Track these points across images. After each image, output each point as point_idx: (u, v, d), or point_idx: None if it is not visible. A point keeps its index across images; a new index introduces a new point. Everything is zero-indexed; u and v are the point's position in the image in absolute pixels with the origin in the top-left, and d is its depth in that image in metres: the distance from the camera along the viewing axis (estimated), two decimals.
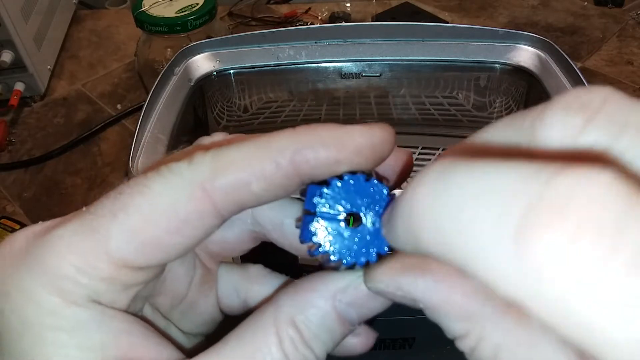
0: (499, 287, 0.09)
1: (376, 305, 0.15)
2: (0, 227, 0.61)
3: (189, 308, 0.18)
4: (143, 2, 0.64)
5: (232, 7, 0.98)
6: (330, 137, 0.14)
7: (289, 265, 0.32)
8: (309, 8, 0.96)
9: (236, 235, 0.18)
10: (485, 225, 0.09)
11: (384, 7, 0.98)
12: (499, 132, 0.12)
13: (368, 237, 0.15)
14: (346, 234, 0.15)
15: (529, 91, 0.51)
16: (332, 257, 0.15)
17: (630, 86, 0.80)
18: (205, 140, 0.16)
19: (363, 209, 0.15)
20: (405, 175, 0.17)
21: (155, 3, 0.64)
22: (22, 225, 0.61)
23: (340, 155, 0.14)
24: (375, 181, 0.15)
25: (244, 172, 0.14)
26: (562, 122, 0.10)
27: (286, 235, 0.18)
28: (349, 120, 0.57)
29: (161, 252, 0.14)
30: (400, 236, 0.12)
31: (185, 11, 0.63)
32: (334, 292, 0.15)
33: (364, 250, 0.15)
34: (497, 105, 0.55)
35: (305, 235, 0.15)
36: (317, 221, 0.15)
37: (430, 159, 0.56)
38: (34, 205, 0.67)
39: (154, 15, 0.63)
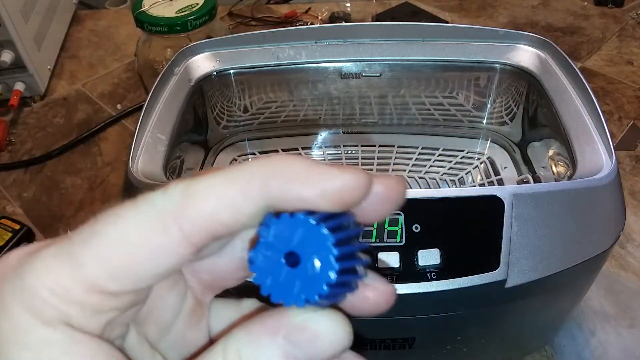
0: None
1: (326, 348, 0.14)
2: (0, 227, 0.61)
3: (177, 339, 0.18)
4: (143, 2, 0.64)
5: (232, 7, 0.98)
6: (300, 174, 0.14)
7: None
8: (309, 8, 0.96)
9: (227, 264, 0.18)
10: None
11: (384, 7, 0.98)
12: None
13: (306, 279, 0.14)
14: (284, 271, 0.15)
15: (529, 91, 0.51)
16: (272, 299, 0.15)
17: (630, 86, 0.80)
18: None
19: (302, 251, 0.14)
20: (390, 206, 0.16)
21: (155, 3, 0.64)
22: (22, 226, 0.61)
23: (305, 194, 0.14)
24: (324, 230, 0.14)
25: (212, 202, 0.14)
26: None
27: None
28: (349, 120, 0.57)
29: (132, 278, 0.14)
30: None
31: (185, 11, 0.63)
32: (284, 330, 0.14)
33: (302, 291, 0.14)
34: (497, 105, 0.55)
35: (249, 260, 0.15)
36: (259, 251, 0.15)
37: (430, 159, 0.56)
38: (34, 205, 0.67)
39: (154, 15, 0.63)
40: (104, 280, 0.14)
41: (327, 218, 0.15)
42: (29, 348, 0.13)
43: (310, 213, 0.14)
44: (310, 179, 0.14)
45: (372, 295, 0.16)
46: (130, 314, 0.15)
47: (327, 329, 0.14)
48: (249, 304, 0.19)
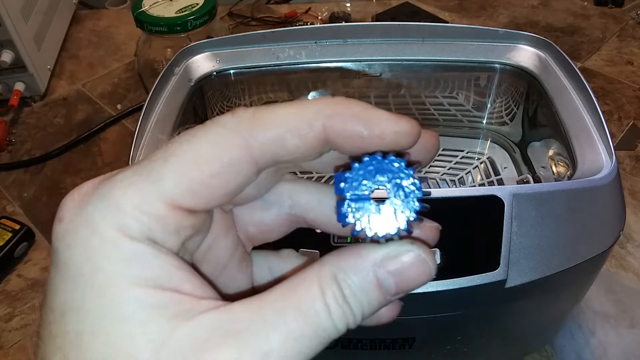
0: None
1: (415, 277, 0.16)
2: (0, 227, 0.61)
3: (227, 280, 0.19)
4: (143, 2, 0.64)
5: (232, 7, 0.98)
6: (361, 114, 0.16)
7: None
8: (309, 8, 0.96)
9: (274, 219, 0.20)
10: None
11: (384, 7, 0.98)
12: None
13: (395, 209, 0.16)
14: (375, 210, 0.16)
15: (529, 91, 0.51)
16: (367, 234, 0.16)
17: (630, 86, 0.80)
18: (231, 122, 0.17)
19: (386, 184, 0.16)
20: (430, 155, 0.18)
21: (155, 3, 0.64)
22: (22, 226, 0.61)
23: (365, 133, 0.16)
24: (392, 157, 0.16)
25: (280, 127, 0.15)
26: None
27: (322, 216, 0.19)
28: None
29: (207, 194, 0.15)
30: None
31: (185, 11, 0.63)
32: (375, 258, 0.16)
33: (394, 221, 0.16)
34: (497, 105, 0.55)
35: (341, 218, 0.16)
36: (348, 205, 0.16)
37: None
38: (34, 205, 0.67)
39: (154, 15, 0.63)
40: (182, 195, 0.15)
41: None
42: (121, 260, 0.14)
43: (370, 154, 0.16)
44: (370, 121, 0.16)
45: (385, 309, 0.18)
46: (198, 240, 0.17)
47: (416, 260, 0.16)
48: (287, 253, 0.20)
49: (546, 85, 0.47)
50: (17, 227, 0.61)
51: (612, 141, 0.39)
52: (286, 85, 0.54)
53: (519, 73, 0.50)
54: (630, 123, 0.74)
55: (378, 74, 0.53)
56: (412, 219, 0.16)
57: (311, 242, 0.32)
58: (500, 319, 0.40)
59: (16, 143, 0.75)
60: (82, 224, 0.14)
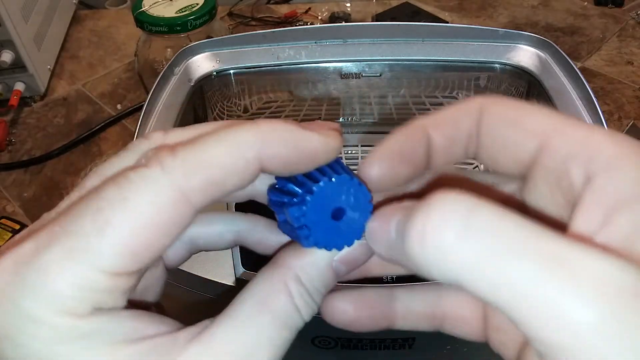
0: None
1: (360, 257, 0.18)
2: (0, 227, 0.61)
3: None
4: (143, 2, 0.64)
5: (232, 7, 0.98)
6: (291, 140, 0.16)
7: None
8: (309, 8, 0.96)
9: (219, 234, 0.20)
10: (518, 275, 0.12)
11: (384, 7, 0.98)
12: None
13: (351, 222, 0.18)
14: (329, 224, 0.17)
15: (529, 91, 0.51)
16: (306, 244, 0.17)
17: (630, 86, 0.80)
18: (143, 144, 0.17)
19: (346, 206, 0.17)
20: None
21: (155, 3, 0.64)
22: (23, 225, 0.61)
23: (299, 159, 0.16)
24: (365, 188, 0.17)
25: (216, 169, 0.15)
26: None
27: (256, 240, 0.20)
28: (348, 120, 0.57)
29: (148, 254, 0.15)
30: (430, 265, 0.13)
31: (185, 11, 0.63)
32: (330, 254, 0.18)
33: (340, 238, 0.18)
34: None
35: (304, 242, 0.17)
36: (309, 208, 0.17)
37: None
38: (34, 205, 0.67)
39: (154, 15, 0.63)
40: (125, 264, 0.14)
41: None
42: (78, 339, 0.14)
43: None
44: (300, 145, 0.16)
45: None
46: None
47: (359, 245, 0.18)
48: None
49: (546, 85, 0.47)
50: (17, 227, 0.61)
51: None
52: (286, 85, 0.54)
53: (519, 73, 0.50)
54: (630, 123, 0.74)
55: (378, 74, 0.53)
56: (358, 238, 0.18)
57: None
58: None
59: (16, 143, 0.75)
60: (16, 317, 0.14)
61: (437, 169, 0.19)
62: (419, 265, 0.14)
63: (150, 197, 0.14)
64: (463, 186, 0.21)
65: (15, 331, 0.14)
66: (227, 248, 0.21)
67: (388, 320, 0.20)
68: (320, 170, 0.17)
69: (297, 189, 0.17)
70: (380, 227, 0.16)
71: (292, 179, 0.17)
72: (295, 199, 0.17)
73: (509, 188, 0.19)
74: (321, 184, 0.17)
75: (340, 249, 0.18)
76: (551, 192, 0.16)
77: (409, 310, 0.20)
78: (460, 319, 0.19)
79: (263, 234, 0.20)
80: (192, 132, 0.16)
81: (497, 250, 0.12)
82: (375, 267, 0.20)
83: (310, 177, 0.17)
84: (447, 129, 0.17)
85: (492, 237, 0.12)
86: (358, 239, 0.18)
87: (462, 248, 0.13)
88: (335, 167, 0.17)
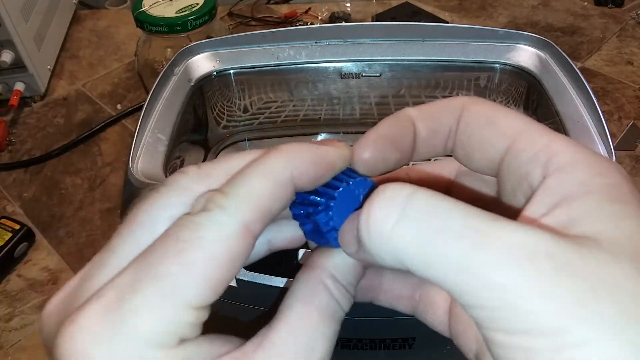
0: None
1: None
2: (0, 227, 0.61)
3: None
4: (143, 2, 0.64)
5: (232, 7, 0.98)
6: (317, 158, 0.18)
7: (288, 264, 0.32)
8: (309, 8, 0.96)
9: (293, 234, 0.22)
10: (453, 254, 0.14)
11: (384, 7, 0.98)
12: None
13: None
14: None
15: (529, 91, 0.51)
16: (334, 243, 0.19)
17: (630, 86, 0.80)
18: (182, 179, 0.18)
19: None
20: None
21: (155, 3, 0.64)
22: (22, 226, 0.61)
23: (324, 174, 0.18)
24: (357, 179, 0.19)
25: (266, 200, 0.17)
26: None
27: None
28: (349, 120, 0.57)
29: (226, 283, 0.16)
30: (379, 251, 0.15)
31: (185, 11, 0.63)
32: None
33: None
34: None
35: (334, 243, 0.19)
36: (332, 214, 0.19)
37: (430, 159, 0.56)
38: (34, 205, 0.67)
39: (154, 15, 0.63)
40: (206, 297, 0.16)
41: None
42: None
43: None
44: (324, 162, 0.18)
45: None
46: None
47: None
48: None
49: (546, 85, 0.47)
50: (17, 227, 0.61)
51: (612, 141, 0.39)
52: (286, 85, 0.54)
53: (519, 73, 0.50)
54: (630, 123, 0.74)
55: (378, 74, 0.53)
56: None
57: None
58: None
59: (16, 143, 0.75)
60: (121, 356, 0.15)
61: (419, 159, 0.21)
62: (371, 253, 0.16)
63: (222, 234, 0.16)
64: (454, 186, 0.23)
65: None
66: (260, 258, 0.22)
67: (373, 293, 0.22)
68: (336, 178, 0.19)
69: (318, 199, 0.19)
70: (345, 230, 0.18)
71: (313, 192, 0.19)
72: (320, 207, 0.19)
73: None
74: (340, 189, 0.18)
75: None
76: (513, 190, 0.18)
77: (392, 287, 0.22)
78: (430, 305, 0.21)
79: (290, 231, 0.21)
80: (223, 166, 0.18)
81: (431, 230, 0.14)
82: None
83: (328, 186, 0.19)
84: (430, 122, 0.19)
85: (427, 219, 0.14)
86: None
87: (401, 231, 0.15)
88: (348, 173, 0.19)
